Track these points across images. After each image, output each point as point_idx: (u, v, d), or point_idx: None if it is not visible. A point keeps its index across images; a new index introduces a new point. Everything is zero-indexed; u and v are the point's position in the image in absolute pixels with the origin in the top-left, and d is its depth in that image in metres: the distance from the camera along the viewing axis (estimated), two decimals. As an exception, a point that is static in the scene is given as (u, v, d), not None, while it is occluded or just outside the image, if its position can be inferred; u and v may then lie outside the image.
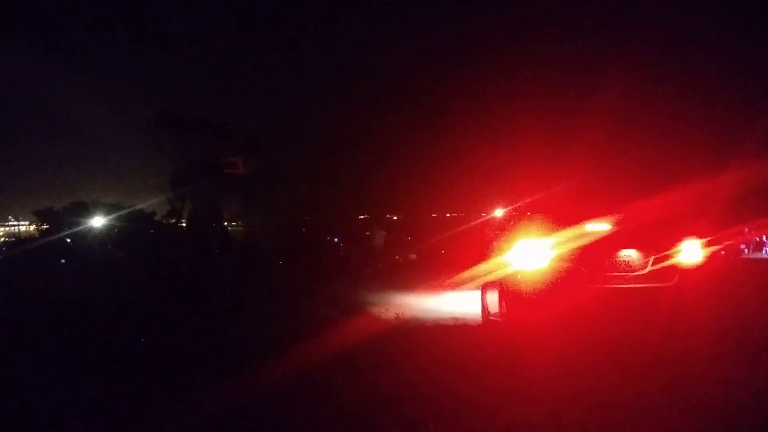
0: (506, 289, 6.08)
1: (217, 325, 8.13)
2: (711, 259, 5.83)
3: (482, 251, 7.37)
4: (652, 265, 5.49)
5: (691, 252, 5.63)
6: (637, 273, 5.49)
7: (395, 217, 30.22)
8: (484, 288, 7.53)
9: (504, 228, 7.02)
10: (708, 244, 5.84)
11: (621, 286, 5.45)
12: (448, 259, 17.60)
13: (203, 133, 18.64)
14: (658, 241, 5.57)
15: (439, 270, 13.92)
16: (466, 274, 9.29)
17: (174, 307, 9.41)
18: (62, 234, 16.34)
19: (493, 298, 6.81)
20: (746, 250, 21.51)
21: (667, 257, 5.51)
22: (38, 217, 20.07)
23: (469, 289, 10.39)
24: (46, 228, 18.06)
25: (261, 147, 19.80)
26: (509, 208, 7.84)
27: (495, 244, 6.90)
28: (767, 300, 8.49)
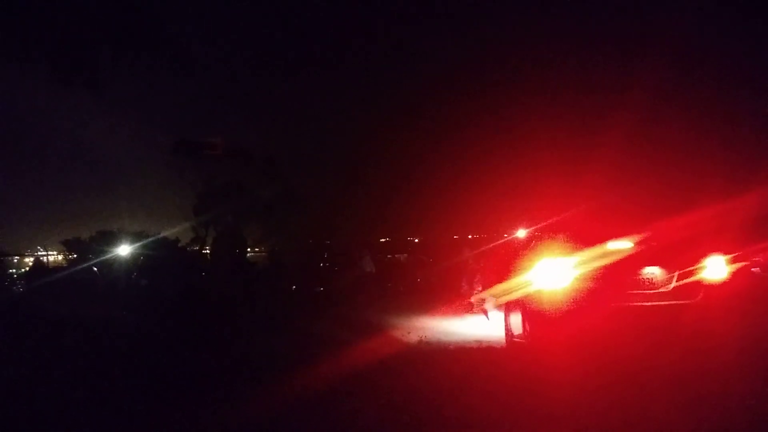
0: (529, 309, 6.05)
1: (242, 347, 8.22)
2: (737, 275, 5.73)
3: (505, 272, 7.34)
4: (676, 282, 5.42)
5: (716, 268, 5.56)
6: (660, 290, 5.43)
7: (416, 240, 30.17)
8: (508, 309, 7.49)
9: (526, 248, 7.00)
10: (734, 260, 5.75)
11: (645, 303, 5.38)
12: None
13: (223, 160, 19.02)
14: (682, 258, 5.51)
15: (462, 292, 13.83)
16: (489, 295, 9.24)
17: (194, 330, 9.52)
18: (89, 263, 16.72)
19: (516, 319, 6.77)
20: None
21: (692, 273, 5.44)
22: (66, 246, 20.58)
23: (493, 310, 10.34)
24: (73, 257, 18.53)
25: (282, 171, 20.10)
26: (531, 228, 7.83)
27: (517, 264, 6.88)
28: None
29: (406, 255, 25.35)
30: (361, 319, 11.61)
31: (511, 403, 4.60)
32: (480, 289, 12.22)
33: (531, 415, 4.25)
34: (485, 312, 11.54)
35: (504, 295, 7.07)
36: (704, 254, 5.57)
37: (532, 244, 6.77)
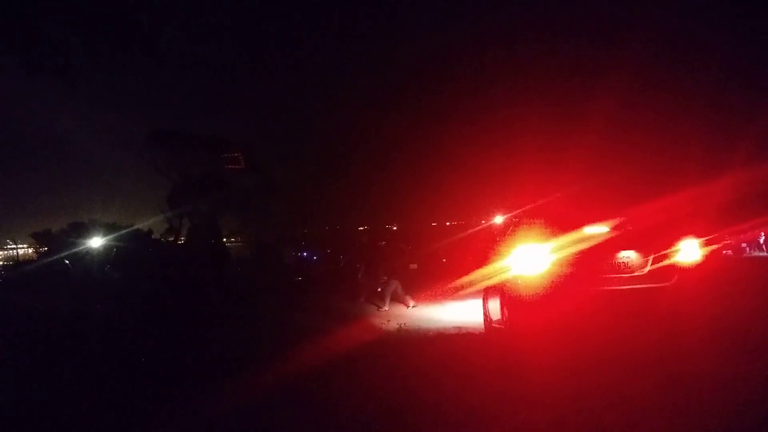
0: (507, 295, 6.07)
1: (220, 337, 8.12)
2: (710, 257, 5.83)
3: (483, 259, 7.36)
4: (651, 265, 5.48)
5: (689, 251, 5.64)
6: (636, 273, 5.48)
7: (394, 227, 30.21)
8: (486, 295, 7.52)
9: (504, 234, 7.02)
10: (707, 243, 5.84)
11: (621, 287, 5.44)
12: (450, 267, 17.56)
13: (198, 150, 18.68)
14: (657, 241, 5.57)
15: (441, 279, 13.89)
16: (467, 281, 9.28)
17: (170, 322, 9.38)
18: (60, 255, 16.31)
19: (494, 305, 6.79)
20: (747, 249, 21.63)
21: (666, 257, 5.50)
22: (36, 239, 20.08)
23: (471, 296, 10.39)
24: (44, 250, 18.06)
25: (257, 161, 19.81)
26: (509, 214, 7.85)
27: (495, 250, 6.90)
28: (765, 297, 8.48)
29: (384, 243, 25.38)
30: (341, 308, 11.57)
31: (491, 388, 4.61)
32: (385, 279, 12.17)
33: (510, 399, 4.27)
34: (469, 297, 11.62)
35: (483, 280, 7.09)
36: (678, 238, 5.64)
37: (510, 230, 6.78)
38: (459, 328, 8.30)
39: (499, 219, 9.89)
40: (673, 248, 5.58)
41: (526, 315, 5.64)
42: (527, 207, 6.75)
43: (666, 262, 5.51)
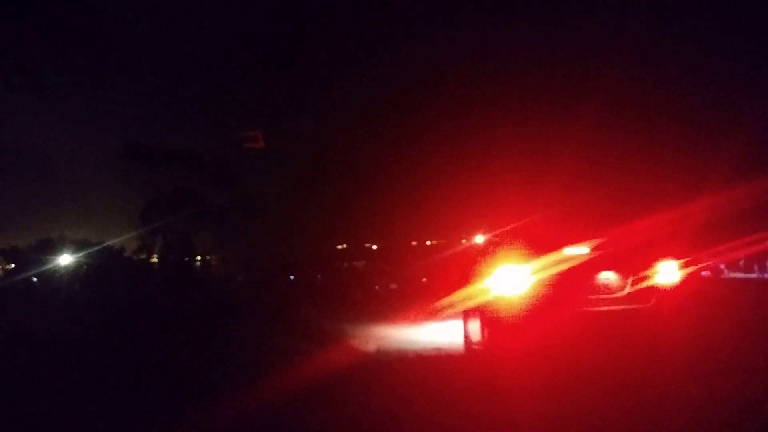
0: (487, 316, 6.01)
1: (193, 359, 7.87)
2: (688, 279, 5.86)
3: (463, 279, 7.29)
4: (630, 287, 5.48)
5: (668, 272, 5.65)
6: (616, 295, 5.47)
7: (374, 246, 30.06)
8: (466, 316, 7.44)
9: (484, 255, 6.96)
10: (685, 265, 5.87)
11: (600, 308, 5.42)
12: (430, 287, 17.48)
13: (174, 165, 18.39)
14: (636, 263, 5.58)
15: (421, 299, 13.76)
16: (447, 302, 9.19)
17: (142, 343, 9.10)
18: (28, 273, 15.80)
19: (474, 326, 6.72)
20: (726, 270, 22.09)
21: (645, 278, 5.51)
22: (3, 256, 19.52)
23: (452, 317, 10.29)
24: (11, 267, 17.54)
25: (234, 177, 19.58)
26: (489, 234, 7.82)
27: (475, 271, 6.84)
28: (743, 318, 8.57)
29: (363, 262, 25.26)
30: (318, 329, 11.36)
31: (470, 411, 4.52)
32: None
33: (490, 422, 4.18)
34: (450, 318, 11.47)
35: (463, 301, 7.01)
36: (657, 259, 5.66)
37: (490, 251, 6.72)
38: (438, 349, 8.18)
39: (479, 239, 9.85)
40: (652, 270, 5.60)
41: (506, 336, 5.58)
42: (508, 227, 6.72)
43: (645, 284, 5.52)
